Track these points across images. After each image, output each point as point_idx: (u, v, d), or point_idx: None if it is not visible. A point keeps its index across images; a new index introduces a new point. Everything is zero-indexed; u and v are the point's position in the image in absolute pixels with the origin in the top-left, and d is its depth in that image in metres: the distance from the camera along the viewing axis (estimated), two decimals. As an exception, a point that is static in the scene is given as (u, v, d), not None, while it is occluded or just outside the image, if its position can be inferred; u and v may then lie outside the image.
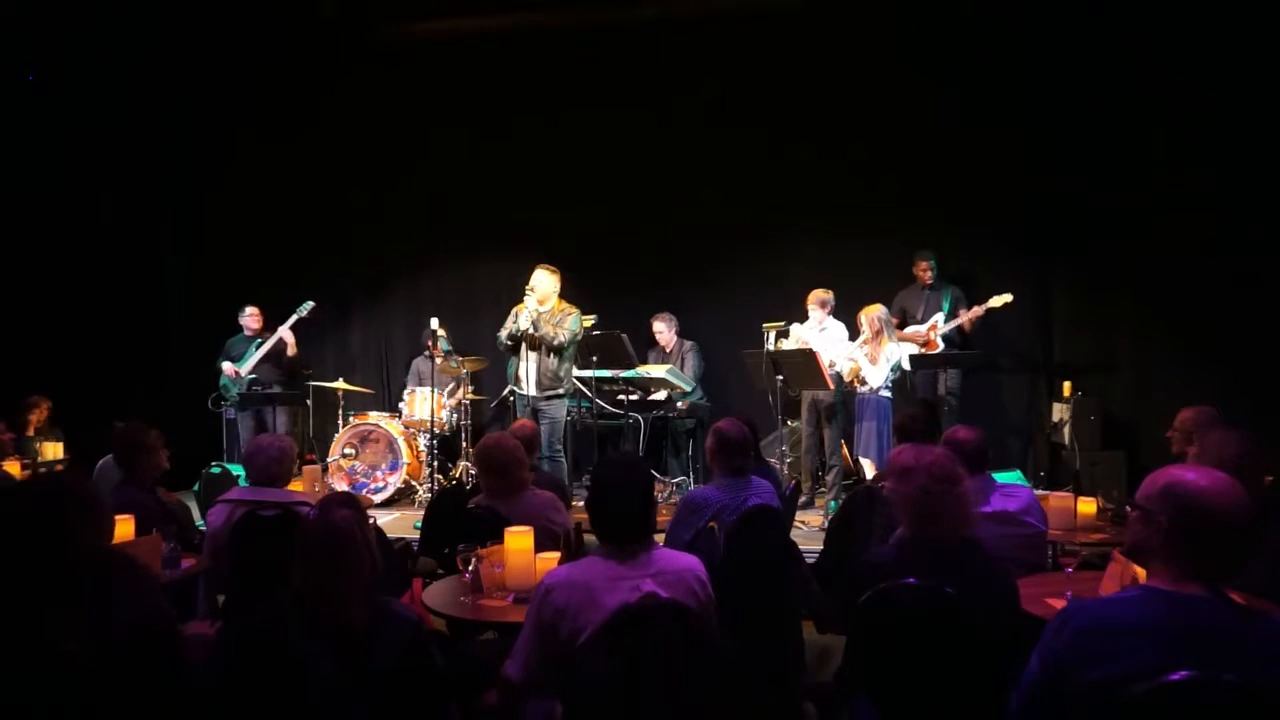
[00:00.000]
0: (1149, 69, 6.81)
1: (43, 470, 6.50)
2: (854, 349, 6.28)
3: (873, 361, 6.13)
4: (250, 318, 7.63)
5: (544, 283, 6.37)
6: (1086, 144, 7.05)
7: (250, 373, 7.49)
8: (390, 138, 8.28)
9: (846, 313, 6.54)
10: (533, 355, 6.41)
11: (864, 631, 2.50)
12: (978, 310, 6.93)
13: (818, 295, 6.53)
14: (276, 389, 7.46)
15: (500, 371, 7.04)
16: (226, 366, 7.53)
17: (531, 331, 6.32)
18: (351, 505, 2.35)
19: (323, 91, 8.31)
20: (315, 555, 2.25)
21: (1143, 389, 6.91)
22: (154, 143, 8.35)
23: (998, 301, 6.86)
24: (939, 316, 7.05)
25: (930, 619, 2.37)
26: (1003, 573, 2.67)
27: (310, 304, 7.55)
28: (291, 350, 7.55)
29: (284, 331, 7.47)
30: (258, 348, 7.51)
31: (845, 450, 6.55)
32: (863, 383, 6.19)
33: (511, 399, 6.74)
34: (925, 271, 7.15)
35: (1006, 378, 7.60)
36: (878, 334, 6.16)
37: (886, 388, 6.15)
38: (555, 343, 6.32)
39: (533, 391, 6.41)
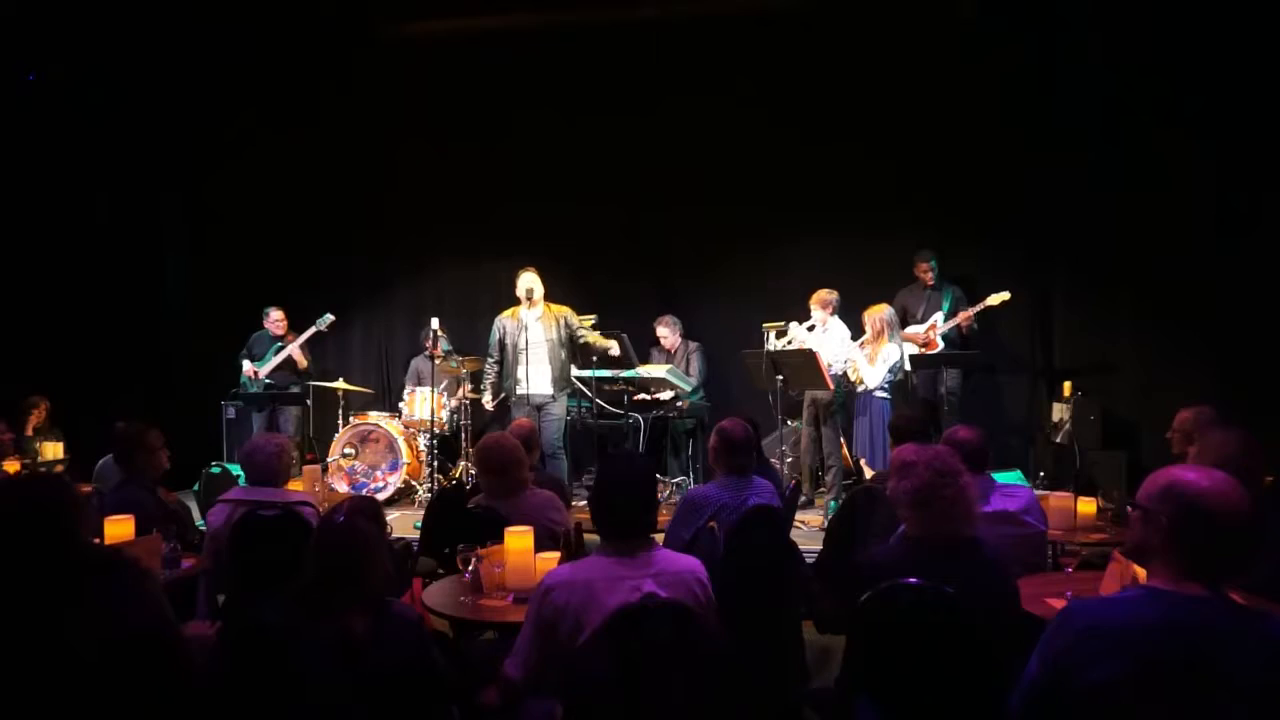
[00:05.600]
0: (1149, 69, 6.81)
1: (42, 469, 6.50)
2: (853, 349, 6.28)
3: (870, 362, 6.13)
4: (274, 323, 7.65)
5: (539, 283, 6.51)
6: (1087, 144, 7.05)
7: (267, 376, 7.52)
8: (390, 137, 8.28)
9: (847, 313, 6.53)
10: (541, 357, 6.46)
11: (864, 632, 2.50)
12: (977, 308, 6.93)
13: (820, 296, 6.51)
14: (291, 390, 7.51)
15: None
16: (246, 366, 7.56)
17: (585, 343, 6.62)
18: (376, 519, 2.37)
19: (322, 90, 8.30)
20: (332, 560, 2.26)
21: (1143, 389, 6.91)
22: (154, 142, 8.34)
23: (996, 299, 6.87)
24: (939, 316, 7.06)
25: (931, 619, 2.37)
26: (1003, 572, 2.67)
27: (330, 317, 7.57)
28: (302, 364, 7.59)
29: (293, 349, 7.51)
30: (276, 352, 7.54)
31: (845, 450, 6.55)
32: (860, 382, 6.19)
33: (511, 400, 6.75)
34: (926, 272, 7.15)
35: (1007, 378, 7.60)
36: (879, 334, 6.16)
37: (884, 388, 6.15)
38: (612, 352, 6.67)
39: (547, 390, 6.45)
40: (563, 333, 6.54)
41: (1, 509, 2.31)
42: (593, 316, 6.93)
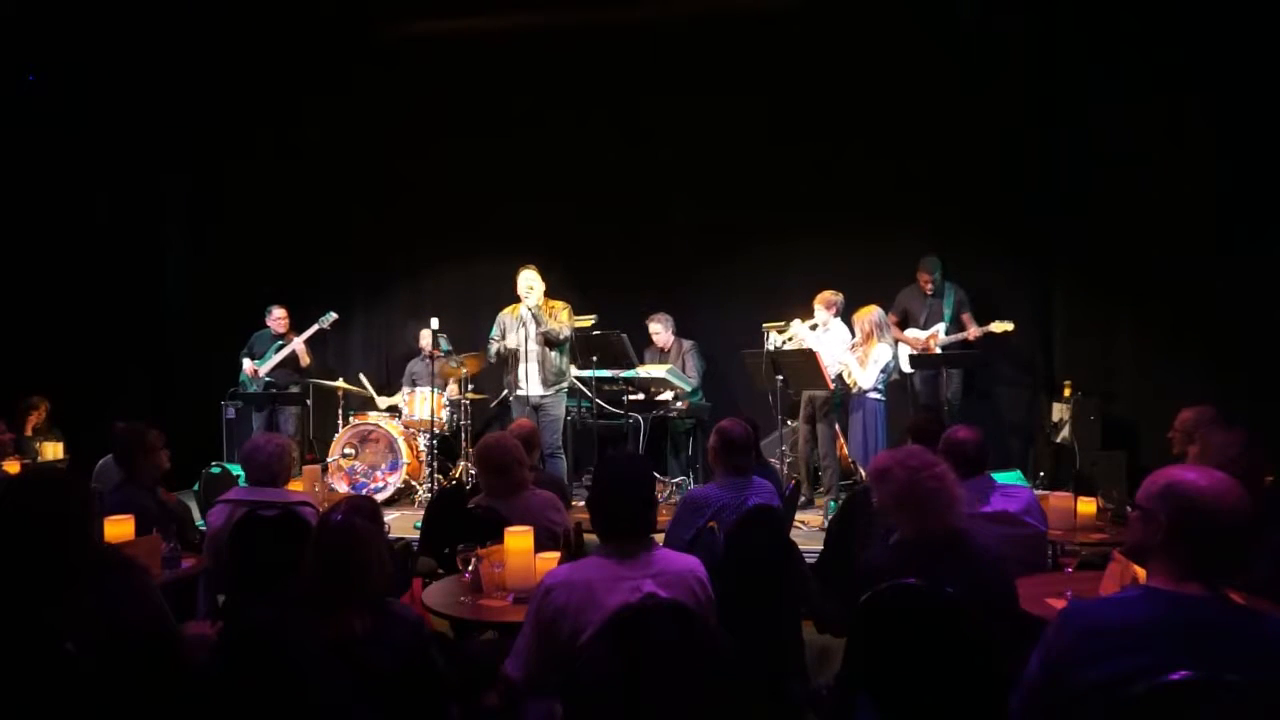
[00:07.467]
0: (1150, 68, 6.82)
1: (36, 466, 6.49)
2: (844, 352, 6.28)
3: (861, 364, 6.14)
4: (276, 321, 7.64)
5: (539, 281, 6.44)
6: (1088, 143, 7.05)
7: (268, 374, 7.52)
8: (390, 137, 8.28)
9: (846, 314, 6.53)
10: (534, 355, 6.47)
11: (864, 632, 2.50)
12: (978, 330, 6.87)
13: (825, 296, 6.50)
14: (292, 390, 7.51)
15: (500, 371, 7.05)
16: (247, 364, 7.56)
17: (539, 328, 6.34)
18: (374, 519, 2.37)
19: (323, 91, 8.30)
20: (330, 560, 2.26)
21: (1143, 389, 6.91)
22: (155, 142, 8.34)
23: (999, 327, 6.77)
24: (940, 327, 7.02)
25: (930, 619, 2.37)
26: (998, 566, 2.68)
27: (333, 315, 7.58)
28: (304, 361, 7.57)
29: (297, 344, 7.51)
30: (277, 350, 7.54)
31: (844, 450, 6.55)
32: (855, 386, 6.19)
33: (511, 399, 6.76)
34: (926, 283, 7.07)
35: (1006, 378, 7.60)
36: (868, 336, 6.16)
37: (877, 389, 6.14)
38: (563, 336, 6.45)
39: (538, 390, 6.47)
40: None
41: (9, 507, 2.32)
42: (592, 316, 6.93)
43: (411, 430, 7.37)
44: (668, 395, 7.20)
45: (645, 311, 7.59)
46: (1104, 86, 7.02)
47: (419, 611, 2.81)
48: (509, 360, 6.61)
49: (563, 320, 6.50)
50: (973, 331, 6.89)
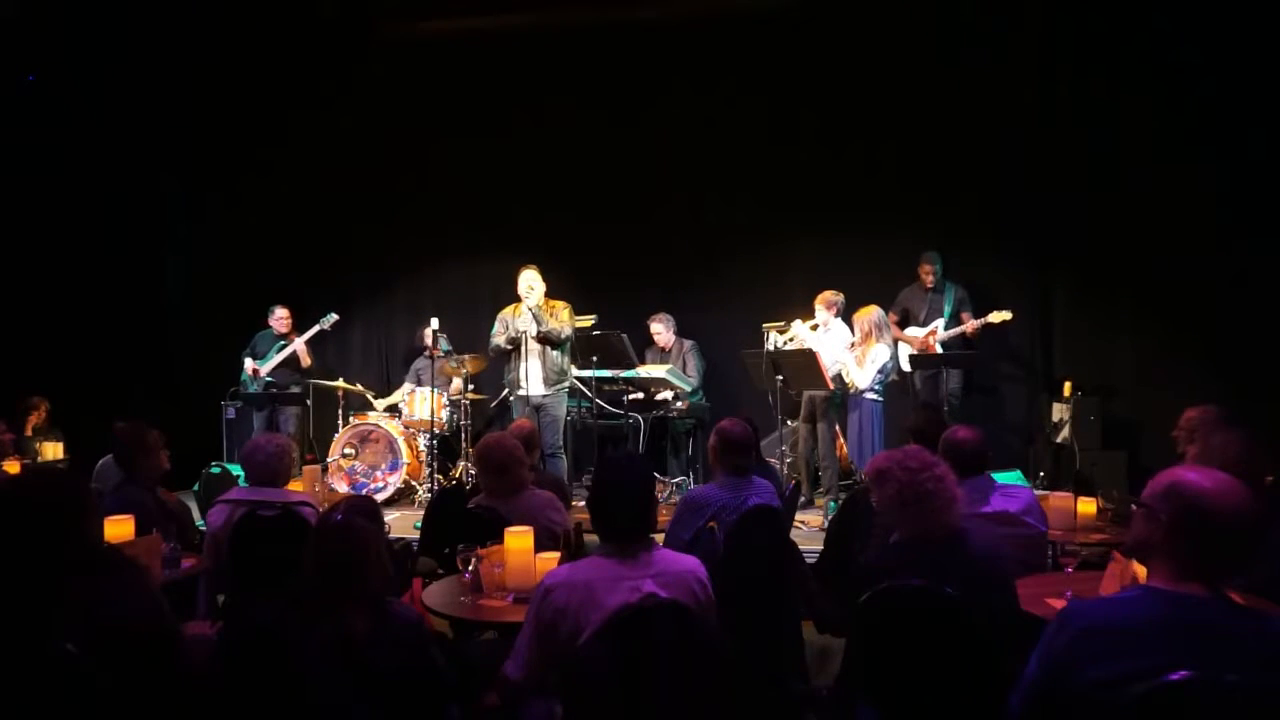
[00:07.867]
0: (1149, 69, 6.82)
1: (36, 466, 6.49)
2: (843, 352, 6.28)
3: (859, 364, 6.14)
4: (279, 320, 7.63)
5: (540, 281, 6.42)
6: (1088, 143, 7.05)
7: (269, 374, 7.52)
8: (390, 137, 8.28)
9: (846, 314, 6.53)
10: (534, 354, 6.47)
11: (864, 632, 2.50)
12: (976, 323, 6.88)
13: (825, 296, 6.49)
14: (292, 390, 7.51)
15: (500, 371, 7.05)
16: (249, 364, 7.56)
17: (540, 328, 6.35)
18: (374, 518, 2.37)
19: (323, 91, 8.31)
20: (330, 559, 2.26)
21: (1143, 389, 6.91)
22: (154, 142, 8.34)
23: (997, 317, 6.76)
24: (940, 322, 7.02)
25: (930, 619, 2.37)
26: (997, 565, 2.68)
27: (334, 316, 7.57)
28: (305, 362, 7.57)
29: (298, 344, 7.50)
30: (278, 350, 7.54)
31: (844, 450, 6.55)
32: (853, 386, 6.19)
33: (511, 399, 6.76)
34: (928, 275, 7.10)
35: (1007, 378, 7.60)
36: (867, 336, 6.16)
37: (874, 390, 6.14)
38: (563, 336, 6.44)
39: (540, 390, 6.47)
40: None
41: (7, 505, 2.31)
42: (592, 316, 6.92)
43: (411, 430, 7.37)
44: (668, 395, 7.20)
45: (646, 311, 7.60)
46: (1105, 86, 7.02)
47: (419, 611, 2.81)
48: (511, 357, 6.60)
49: (563, 320, 6.50)
50: (970, 325, 6.89)
